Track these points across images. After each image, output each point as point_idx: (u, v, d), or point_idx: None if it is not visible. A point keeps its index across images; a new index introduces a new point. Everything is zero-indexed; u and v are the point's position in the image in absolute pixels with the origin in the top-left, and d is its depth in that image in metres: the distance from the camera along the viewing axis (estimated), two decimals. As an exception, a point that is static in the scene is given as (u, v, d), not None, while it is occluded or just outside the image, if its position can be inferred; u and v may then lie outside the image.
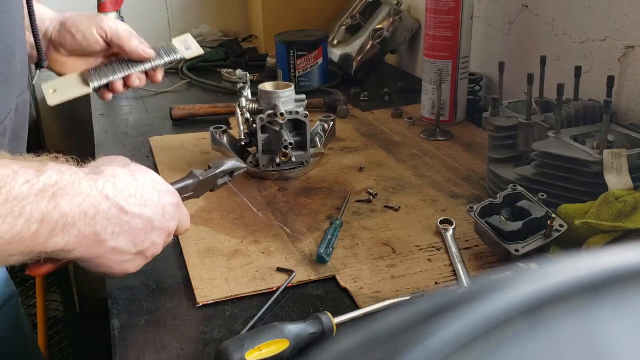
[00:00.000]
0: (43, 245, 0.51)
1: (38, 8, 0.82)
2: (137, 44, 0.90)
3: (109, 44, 0.90)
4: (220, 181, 0.79)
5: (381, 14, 1.56)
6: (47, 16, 0.88)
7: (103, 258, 0.57)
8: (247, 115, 1.03)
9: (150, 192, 0.60)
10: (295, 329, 0.60)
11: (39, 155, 0.56)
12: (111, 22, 0.89)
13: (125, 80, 0.93)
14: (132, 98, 1.51)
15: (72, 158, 0.58)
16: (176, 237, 0.84)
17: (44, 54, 0.83)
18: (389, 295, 0.70)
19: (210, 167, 0.78)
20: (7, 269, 0.96)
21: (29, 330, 1.01)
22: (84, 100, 1.65)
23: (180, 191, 0.69)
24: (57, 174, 0.53)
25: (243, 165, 0.81)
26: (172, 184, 0.68)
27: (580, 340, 0.16)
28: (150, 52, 0.92)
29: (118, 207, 0.56)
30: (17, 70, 0.69)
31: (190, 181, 0.74)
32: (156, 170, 1.07)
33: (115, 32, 0.89)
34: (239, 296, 0.70)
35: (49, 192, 0.51)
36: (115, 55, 0.93)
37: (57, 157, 0.56)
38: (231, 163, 0.80)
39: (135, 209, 0.58)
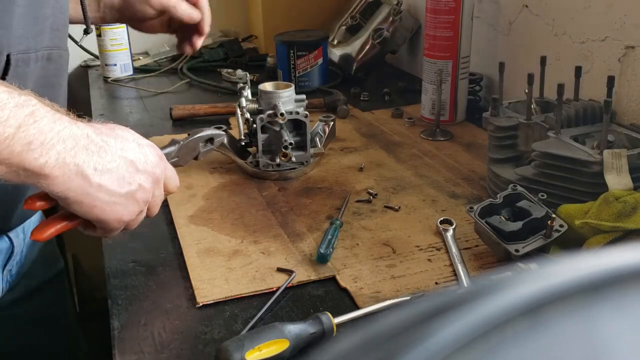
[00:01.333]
0: (19, 156, 0.51)
1: None
2: (184, 8, 0.98)
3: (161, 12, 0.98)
4: (203, 148, 0.83)
5: (381, 14, 1.56)
6: None
7: (91, 197, 0.57)
8: (247, 115, 1.03)
9: (130, 142, 0.61)
10: (295, 329, 0.60)
11: None
12: None
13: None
14: (132, 98, 1.52)
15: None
16: (176, 238, 0.84)
17: (89, 21, 0.94)
18: (389, 295, 0.70)
19: (189, 135, 0.82)
20: (56, 243, 1.04)
21: (72, 306, 1.07)
22: (84, 100, 1.66)
23: (165, 157, 0.71)
24: (37, 100, 0.54)
25: (221, 132, 0.85)
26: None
27: (580, 340, 0.16)
28: (197, 14, 1.00)
29: (98, 145, 0.57)
30: (48, 16, 0.73)
31: (172, 147, 0.78)
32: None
33: (162, 2, 0.97)
34: (239, 296, 0.70)
35: (28, 109, 0.52)
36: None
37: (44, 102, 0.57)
38: (210, 130, 0.85)
39: (115, 150, 0.59)
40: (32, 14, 0.70)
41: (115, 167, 0.59)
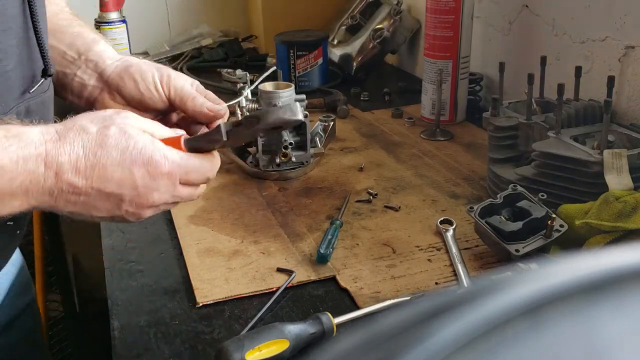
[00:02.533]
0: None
1: (99, 46, 0.77)
2: (200, 103, 0.71)
3: (171, 103, 0.73)
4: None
5: (381, 14, 1.56)
6: (108, 55, 0.77)
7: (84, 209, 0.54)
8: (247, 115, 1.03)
9: (117, 165, 0.53)
10: (295, 329, 0.60)
11: None
12: (179, 80, 0.73)
13: None
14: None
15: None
16: (176, 238, 0.84)
17: (52, 69, 0.68)
18: (389, 296, 0.70)
19: (245, 121, 0.56)
20: (29, 273, 0.90)
21: (42, 339, 0.96)
22: (84, 100, 1.65)
23: (192, 149, 0.56)
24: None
25: (296, 117, 0.56)
26: (188, 140, 0.57)
27: (580, 341, 0.16)
28: (217, 107, 0.71)
29: (67, 182, 0.52)
30: (9, 70, 0.60)
31: (206, 140, 0.58)
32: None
33: (179, 93, 0.72)
34: (239, 296, 0.70)
35: None
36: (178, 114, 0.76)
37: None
38: (277, 116, 0.56)
39: (92, 183, 0.52)
40: None
41: (90, 201, 0.54)
